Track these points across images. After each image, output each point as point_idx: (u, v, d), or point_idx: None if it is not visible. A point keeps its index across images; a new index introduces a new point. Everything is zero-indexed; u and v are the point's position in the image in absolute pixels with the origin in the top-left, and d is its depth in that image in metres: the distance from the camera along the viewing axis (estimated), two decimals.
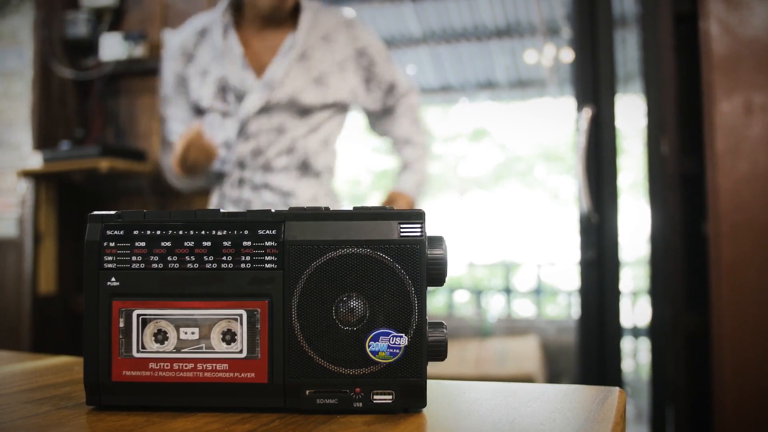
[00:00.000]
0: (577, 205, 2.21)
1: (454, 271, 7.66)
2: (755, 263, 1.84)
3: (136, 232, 0.48)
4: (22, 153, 2.95)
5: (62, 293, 2.91)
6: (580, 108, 2.17)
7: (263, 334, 0.47)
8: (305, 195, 1.52)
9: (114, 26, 3.01)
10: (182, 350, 0.48)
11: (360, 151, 9.14)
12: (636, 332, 3.79)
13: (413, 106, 1.67)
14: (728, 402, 1.82)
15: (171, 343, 0.48)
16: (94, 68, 2.97)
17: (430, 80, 7.38)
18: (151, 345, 0.48)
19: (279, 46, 1.52)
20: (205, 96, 1.53)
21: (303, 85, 1.50)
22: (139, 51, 2.88)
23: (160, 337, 0.48)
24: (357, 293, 0.47)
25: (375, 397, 0.47)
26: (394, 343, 0.47)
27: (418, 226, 0.48)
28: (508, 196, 9.59)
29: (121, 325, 0.48)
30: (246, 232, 0.48)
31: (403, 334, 0.47)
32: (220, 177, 1.56)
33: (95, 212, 0.49)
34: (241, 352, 0.47)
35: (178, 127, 1.59)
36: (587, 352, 2.17)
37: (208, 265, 0.48)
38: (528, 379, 3.76)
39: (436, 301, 7.15)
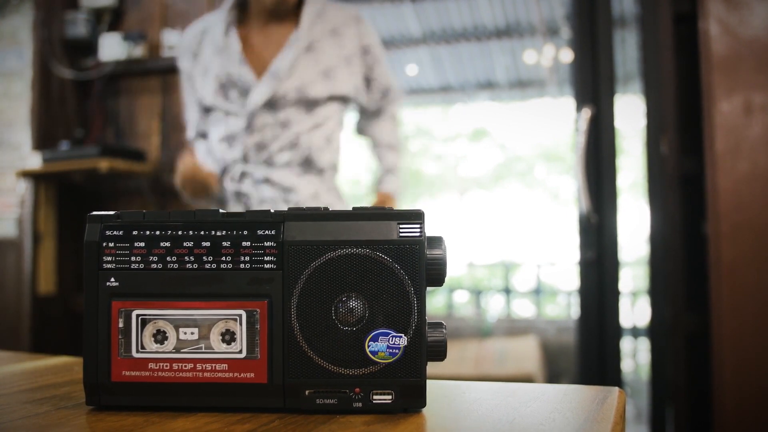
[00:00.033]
0: (577, 205, 2.21)
1: (453, 271, 7.66)
2: (755, 263, 1.84)
3: (135, 233, 0.48)
4: (21, 153, 2.95)
5: (62, 293, 2.91)
6: (579, 108, 2.17)
7: (263, 334, 0.47)
8: (306, 191, 1.53)
9: (113, 26, 3.01)
10: (182, 350, 0.48)
11: (360, 150, 9.14)
12: (636, 332, 3.79)
13: (396, 112, 1.74)
14: (728, 402, 1.82)
15: (170, 344, 0.48)
16: (94, 68, 2.97)
17: (430, 80, 7.38)
18: (151, 345, 0.48)
19: (284, 41, 1.54)
20: (207, 93, 1.55)
21: (311, 77, 1.52)
22: (138, 51, 2.88)
23: (160, 337, 0.48)
24: (356, 293, 0.47)
25: (374, 397, 0.47)
26: (394, 344, 0.47)
27: (418, 226, 0.48)
28: (508, 196, 9.59)
29: (121, 325, 0.48)
30: (245, 232, 0.48)
31: (403, 335, 0.47)
32: (223, 172, 1.57)
33: (95, 212, 0.49)
34: (240, 352, 0.47)
35: (191, 131, 1.65)
36: (587, 352, 2.17)
37: (207, 266, 0.48)
38: (528, 379, 3.76)
39: (435, 301, 7.15)
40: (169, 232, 0.48)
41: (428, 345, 0.48)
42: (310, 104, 1.52)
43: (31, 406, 0.49)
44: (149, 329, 0.48)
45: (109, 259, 0.48)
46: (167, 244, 0.48)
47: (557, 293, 7.46)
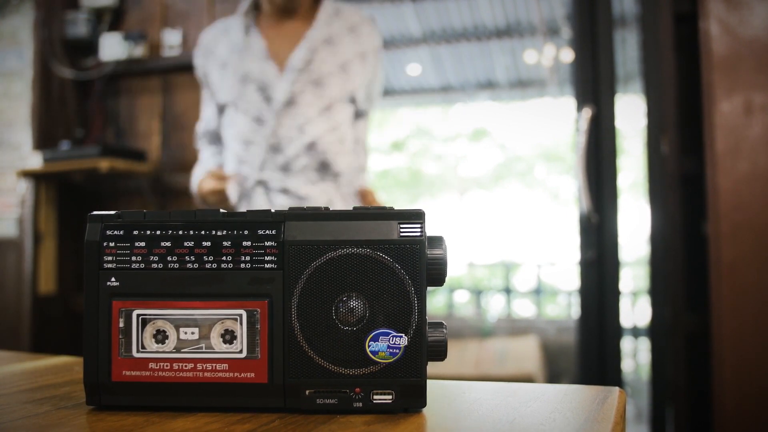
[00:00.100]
0: (577, 205, 2.21)
1: (454, 271, 7.66)
2: (755, 263, 1.84)
3: (135, 232, 0.48)
4: (22, 153, 2.95)
5: (62, 293, 2.91)
6: (580, 108, 2.17)
7: (263, 334, 0.47)
8: (320, 201, 1.53)
9: (114, 26, 3.01)
10: (182, 350, 0.48)
11: None
12: (636, 332, 3.79)
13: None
14: (728, 402, 1.82)
15: (171, 343, 0.48)
16: (94, 68, 2.97)
17: (430, 80, 7.37)
18: (151, 345, 0.48)
19: (301, 37, 1.57)
20: (224, 87, 1.57)
21: (329, 69, 1.54)
22: (138, 51, 2.88)
23: (160, 337, 0.48)
24: (357, 293, 0.47)
25: (375, 397, 0.47)
26: (394, 343, 0.47)
27: (418, 226, 0.48)
28: (508, 196, 9.59)
29: (121, 325, 0.48)
30: (246, 232, 0.48)
31: (403, 334, 0.47)
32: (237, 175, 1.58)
33: (95, 212, 0.49)
34: (240, 352, 0.47)
35: (201, 125, 1.67)
36: (587, 352, 2.17)
37: (207, 265, 0.48)
38: (528, 379, 3.76)
39: (436, 301, 7.15)
40: (170, 231, 0.48)
41: (429, 345, 0.48)
42: (325, 104, 1.53)
43: (31, 406, 0.49)
44: (150, 329, 0.48)
45: (110, 258, 0.48)
46: (168, 243, 0.48)
47: (557, 293, 7.46)
